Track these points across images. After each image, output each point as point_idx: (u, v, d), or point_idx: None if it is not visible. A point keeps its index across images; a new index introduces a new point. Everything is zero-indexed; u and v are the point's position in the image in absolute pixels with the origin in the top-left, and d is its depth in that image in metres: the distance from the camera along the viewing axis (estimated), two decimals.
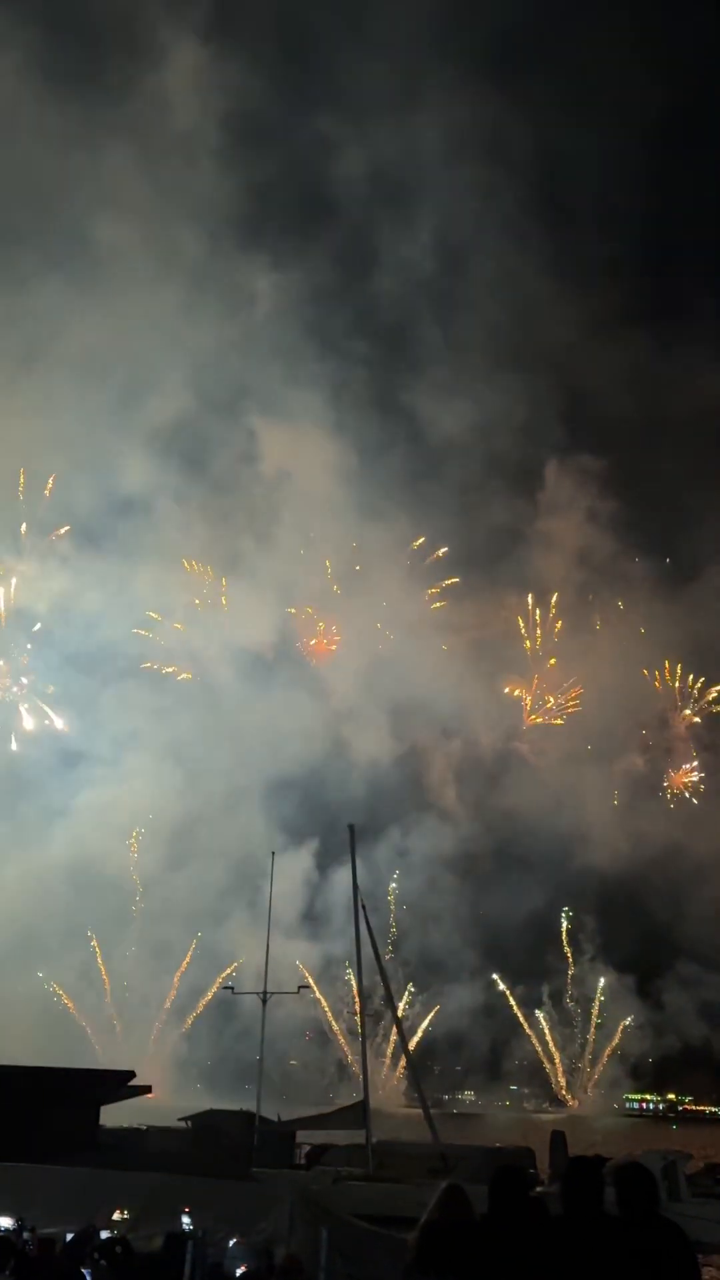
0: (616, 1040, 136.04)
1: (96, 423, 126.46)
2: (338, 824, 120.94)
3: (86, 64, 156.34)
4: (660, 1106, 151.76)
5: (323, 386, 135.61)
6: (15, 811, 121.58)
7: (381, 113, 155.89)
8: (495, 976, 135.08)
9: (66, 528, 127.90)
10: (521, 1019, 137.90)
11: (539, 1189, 34.84)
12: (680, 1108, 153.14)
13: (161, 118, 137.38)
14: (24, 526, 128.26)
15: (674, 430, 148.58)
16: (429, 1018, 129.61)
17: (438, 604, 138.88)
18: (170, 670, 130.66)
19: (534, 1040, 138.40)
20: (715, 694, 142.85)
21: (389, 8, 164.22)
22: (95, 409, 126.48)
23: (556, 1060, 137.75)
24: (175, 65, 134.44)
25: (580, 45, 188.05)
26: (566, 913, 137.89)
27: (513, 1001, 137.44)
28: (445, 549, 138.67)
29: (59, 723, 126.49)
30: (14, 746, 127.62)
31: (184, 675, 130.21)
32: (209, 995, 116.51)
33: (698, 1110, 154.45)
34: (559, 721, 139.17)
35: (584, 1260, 6.53)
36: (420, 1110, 41.96)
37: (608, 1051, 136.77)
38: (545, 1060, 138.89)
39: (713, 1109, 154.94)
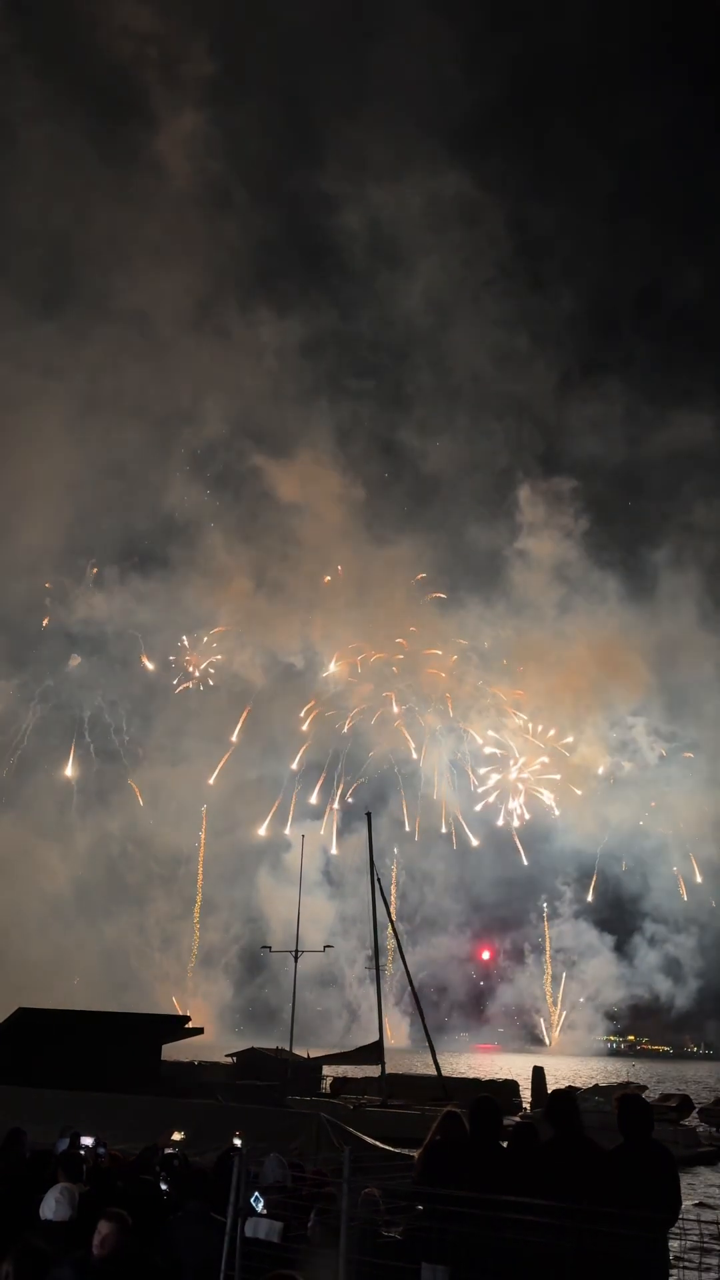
0: (591, 988, 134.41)
1: (143, 456, 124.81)
2: (351, 802, 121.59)
3: (128, 139, 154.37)
4: (623, 1046, 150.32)
5: (329, 424, 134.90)
6: (79, 789, 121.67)
7: (373, 183, 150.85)
8: (482, 931, 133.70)
9: (135, 559, 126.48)
10: (506, 970, 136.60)
11: (524, 1116, 34.53)
12: (639, 1046, 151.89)
13: (175, 182, 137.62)
14: (91, 557, 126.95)
15: (631, 463, 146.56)
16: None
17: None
18: (211, 673, 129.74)
19: (521, 988, 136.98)
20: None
21: (377, 86, 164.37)
22: (142, 444, 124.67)
23: (549, 1004, 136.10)
24: (176, 134, 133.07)
25: (543, 130, 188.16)
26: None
27: (501, 954, 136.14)
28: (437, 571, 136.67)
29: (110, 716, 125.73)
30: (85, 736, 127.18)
31: (220, 679, 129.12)
32: (247, 952, 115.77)
33: (654, 1048, 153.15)
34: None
35: (572, 1174, 6.54)
36: (423, 1050, 41.47)
37: (583, 998, 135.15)
38: (528, 1006, 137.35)
39: (665, 1048, 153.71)
